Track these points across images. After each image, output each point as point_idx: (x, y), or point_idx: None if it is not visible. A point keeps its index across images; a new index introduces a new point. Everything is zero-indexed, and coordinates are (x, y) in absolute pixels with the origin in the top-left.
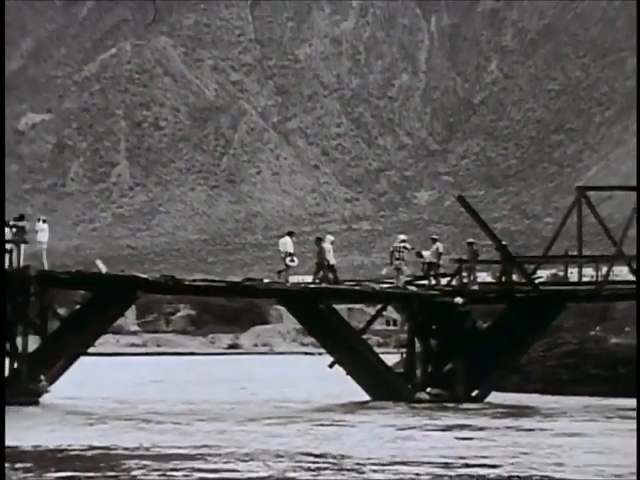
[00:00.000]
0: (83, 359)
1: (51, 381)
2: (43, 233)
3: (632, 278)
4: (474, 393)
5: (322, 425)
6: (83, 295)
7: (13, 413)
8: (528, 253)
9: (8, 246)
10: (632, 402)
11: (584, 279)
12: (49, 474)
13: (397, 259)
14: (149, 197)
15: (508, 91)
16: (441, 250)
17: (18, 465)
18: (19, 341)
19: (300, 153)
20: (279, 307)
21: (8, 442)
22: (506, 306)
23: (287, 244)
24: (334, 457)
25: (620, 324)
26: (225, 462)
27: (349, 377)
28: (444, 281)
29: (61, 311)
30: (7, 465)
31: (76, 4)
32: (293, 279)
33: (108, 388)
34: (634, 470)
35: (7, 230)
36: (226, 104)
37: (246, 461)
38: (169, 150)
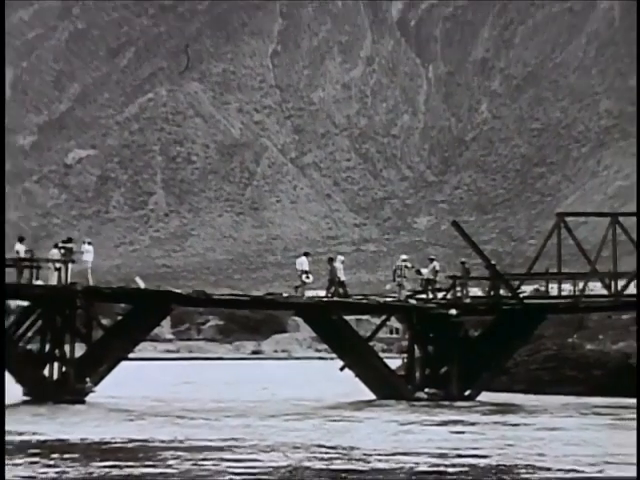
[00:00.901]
0: (124, 363)
1: (96, 382)
2: (88, 254)
3: (605, 292)
4: (466, 392)
5: (333, 420)
6: (124, 307)
7: (62, 410)
8: (513, 271)
9: (57, 265)
10: (604, 400)
11: (563, 293)
12: (94, 463)
13: (399, 276)
14: (182, 222)
15: (496, 130)
16: (437, 268)
17: (66, 456)
18: (67, 348)
19: (314, 184)
20: (296, 318)
21: (58, 436)
22: (494, 317)
23: (303, 263)
24: (344, 448)
25: (594, 333)
26: (249, 453)
27: (357, 379)
28: (440, 295)
29: (104, 321)
30: (56, 455)
31: (118, 55)
32: (308, 293)
33: (146, 388)
34: (606, 459)
35: (56, 251)
36: (250, 141)
37: (267, 452)
38: (200, 181)
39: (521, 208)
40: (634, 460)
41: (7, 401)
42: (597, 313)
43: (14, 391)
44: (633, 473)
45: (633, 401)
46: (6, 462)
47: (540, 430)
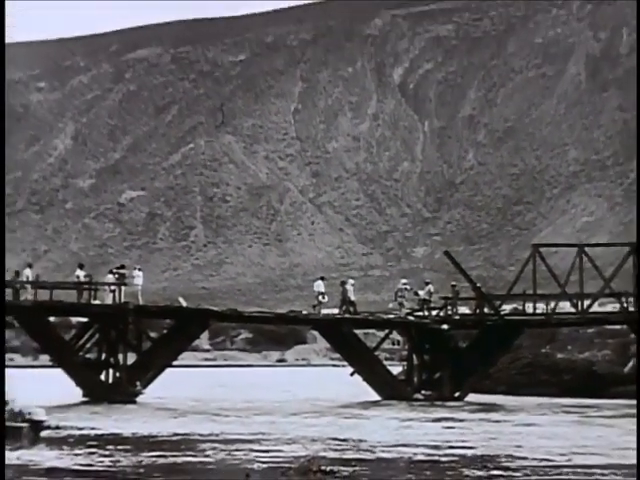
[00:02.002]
0: (169, 369)
1: (144, 386)
2: (139, 278)
3: (573, 310)
4: (456, 394)
5: (345, 418)
6: (169, 323)
7: (116, 409)
8: (496, 292)
9: (112, 287)
10: (572, 401)
11: (537, 311)
12: (143, 453)
13: (400, 297)
14: (218, 252)
15: (481, 174)
16: (432, 290)
17: (119, 447)
18: (120, 356)
19: (329, 220)
20: (314, 331)
21: (112, 430)
22: (479, 331)
23: (320, 286)
24: (354, 441)
25: (564, 344)
26: (274, 445)
27: (365, 382)
28: (434, 313)
29: (152, 334)
30: (111, 447)
31: (164, 111)
32: (324, 311)
33: (187, 391)
34: (575, 450)
35: (111, 276)
36: (275, 184)
37: (289, 444)
38: (233, 217)
39: (502, 240)
40: (598, 450)
41: (69, 401)
42: (566, 328)
43: (75, 393)
44: (597, 462)
45: (597, 401)
46: (67, 451)
47: (518, 426)
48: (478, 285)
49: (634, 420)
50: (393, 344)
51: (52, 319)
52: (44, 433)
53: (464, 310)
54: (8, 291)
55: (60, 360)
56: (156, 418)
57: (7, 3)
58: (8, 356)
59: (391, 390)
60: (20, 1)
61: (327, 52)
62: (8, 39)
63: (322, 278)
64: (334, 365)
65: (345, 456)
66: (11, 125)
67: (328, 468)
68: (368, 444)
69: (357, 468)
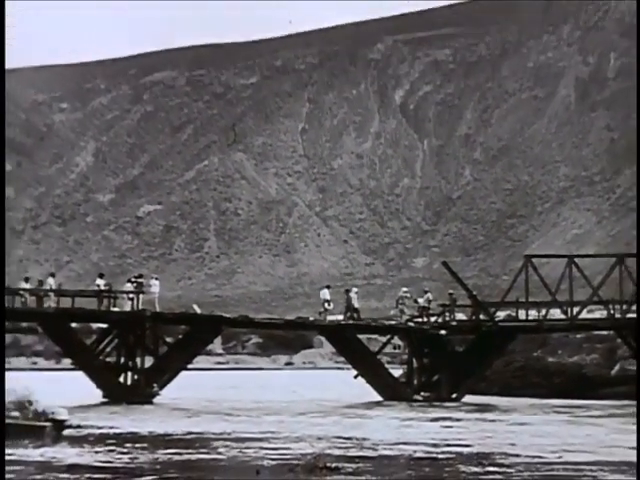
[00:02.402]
0: (184, 372)
1: (161, 387)
2: (155, 287)
3: (563, 317)
4: (454, 395)
5: (349, 417)
6: (184, 329)
7: (134, 409)
8: (490, 300)
9: (131, 295)
10: (562, 401)
11: (529, 318)
12: (159, 451)
13: (401, 304)
14: (230, 262)
15: (477, 190)
16: (431, 298)
17: (137, 445)
18: (138, 360)
19: (334, 232)
20: (320, 337)
21: (130, 429)
22: (475, 336)
23: (325, 294)
24: (357, 439)
25: (554, 348)
26: (282, 443)
27: (368, 384)
28: (433, 319)
29: (168, 339)
30: (129, 444)
31: (179, 131)
32: (330, 317)
33: (201, 392)
34: (565, 448)
35: (129, 284)
36: (283, 199)
37: (297, 442)
38: (244, 230)
39: (497, 251)
40: (587, 448)
41: (89, 402)
42: (557, 333)
43: (95, 394)
44: (586, 459)
45: (586, 402)
46: (87, 449)
47: (512, 425)
48: (474, 293)
49: (621, 420)
50: (394, 348)
51: (74, 325)
52: (66, 432)
53: (461, 316)
54: (31, 298)
55: (81, 363)
56: (172, 418)
57: (7, 3)
58: (32, 359)
59: (392, 391)
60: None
61: (332, 75)
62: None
63: (328, 287)
64: (339, 368)
65: (349, 453)
66: (35, 143)
67: (333, 465)
68: (371, 442)
69: (360, 465)
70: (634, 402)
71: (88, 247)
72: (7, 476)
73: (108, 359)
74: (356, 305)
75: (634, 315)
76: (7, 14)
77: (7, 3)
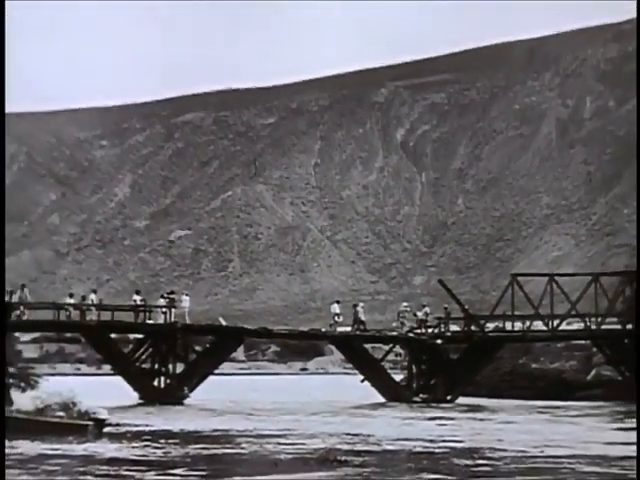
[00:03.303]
0: (211, 377)
1: (190, 390)
2: (186, 302)
3: (544, 328)
4: (448, 397)
5: (356, 416)
6: (211, 338)
7: (166, 410)
8: (481, 313)
9: (164, 309)
10: (544, 403)
11: (515, 329)
12: (189, 446)
13: (402, 317)
14: (251, 280)
15: (469, 217)
16: (428, 312)
17: (170, 441)
18: (170, 366)
19: (343, 254)
20: (331, 346)
21: (163, 427)
22: (467, 345)
23: (335, 308)
24: (363, 436)
25: (537, 356)
26: (298, 439)
27: (372, 387)
28: (430, 330)
29: (197, 348)
30: (162, 440)
31: (206, 165)
32: (339, 329)
33: (226, 394)
34: (546, 443)
35: (162, 300)
36: (298, 225)
37: (310, 438)
38: (264, 252)
39: (486, 270)
40: (566, 444)
41: (127, 403)
42: (539, 343)
43: (132, 396)
44: (565, 453)
45: (565, 403)
46: (125, 444)
47: (499, 423)
48: (466, 307)
49: (596, 419)
50: (396, 356)
51: (113, 335)
52: (106, 429)
53: (455, 328)
54: (75, 312)
55: (120, 369)
56: (200, 417)
57: (7, 4)
58: (76, 366)
59: (394, 394)
60: (85, 71)
61: (342, 116)
62: (79, 103)
63: (337, 302)
64: (347, 373)
65: (356, 448)
66: (78, 176)
67: (342, 458)
68: (375, 438)
69: (366, 458)
70: (608, 403)
71: (126, 267)
72: (54, 468)
73: (144, 365)
74: (362, 318)
75: (608, 327)
76: (52, 59)
77: (54, 47)
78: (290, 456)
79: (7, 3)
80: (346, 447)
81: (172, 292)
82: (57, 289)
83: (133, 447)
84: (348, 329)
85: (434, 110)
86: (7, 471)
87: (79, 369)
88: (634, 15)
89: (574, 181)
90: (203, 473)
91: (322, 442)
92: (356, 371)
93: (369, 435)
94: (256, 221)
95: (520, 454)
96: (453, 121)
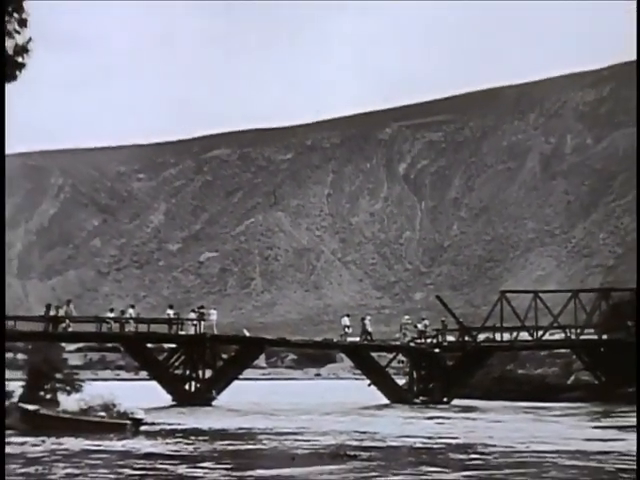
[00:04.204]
0: (236, 382)
1: (218, 393)
2: (214, 315)
3: (529, 338)
4: (445, 399)
5: (363, 416)
6: (236, 347)
7: (196, 410)
8: (473, 326)
9: (194, 322)
10: (529, 404)
11: (504, 339)
12: (217, 442)
13: (404, 329)
14: (271, 296)
15: (463, 240)
16: (427, 324)
17: (200, 437)
18: (200, 372)
19: (352, 273)
20: (342, 354)
21: (194, 425)
22: (462, 353)
23: (345, 321)
24: (370, 433)
25: (523, 363)
26: (312, 436)
27: (378, 391)
28: (429, 340)
29: (224, 356)
30: (193, 437)
31: (231, 195)
32: (349, 339)
33: (249, 397)
34: (531, 440)
35: (193, 314)
36: (313, 247)
37: (323, 435)
38: (282, 272)
39: (478, 287)
40: (549, 440)
41: (161, 405)
42: (525, 351)
43: (166, 399)
44: (548, 448)
45: (548, 404)
46: (160, 441)
47: (490, 422)
48: (460, 320)
49: (576, 418)
50: (399, 363)
51: (149, 345)
52: (143, 428)
53: (450, 338)
54: (115, 325)
55: (155, 375)
56: (226, 417)
57: (50, 52)
58: (116, 372)
59: (397, 396)
60: (125, 111)
61: (351, 152)
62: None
63: (347, 315)
64: (356, 378)
65: (364, 444)
66: (118, 205)
67: (352, 453)
68: (381, 435)
69: (373, 453)
70: (586, 404)
71: (160, 285)
72: (96, 462)
73: (176, 371)
74: (369, 329)
75: (586, 337)
76: (96, 102)
77: (98, 91)
78: (306, 451)
79: (50, 51)
80: (355, 443)
81: (202, 307)
82: (99, 305)
83: (167, 443)
84: (357, 339)
85: (432, 147)
86: (55, 464)
87: (119, 375)
88: (610, 63)
89: (556, 209)
90: (229, 466)
91: (334, 439)
92: (364, 376)
93: (375, 432)
94: (275, 244)
95: (508, 449)
96: (449, 156)
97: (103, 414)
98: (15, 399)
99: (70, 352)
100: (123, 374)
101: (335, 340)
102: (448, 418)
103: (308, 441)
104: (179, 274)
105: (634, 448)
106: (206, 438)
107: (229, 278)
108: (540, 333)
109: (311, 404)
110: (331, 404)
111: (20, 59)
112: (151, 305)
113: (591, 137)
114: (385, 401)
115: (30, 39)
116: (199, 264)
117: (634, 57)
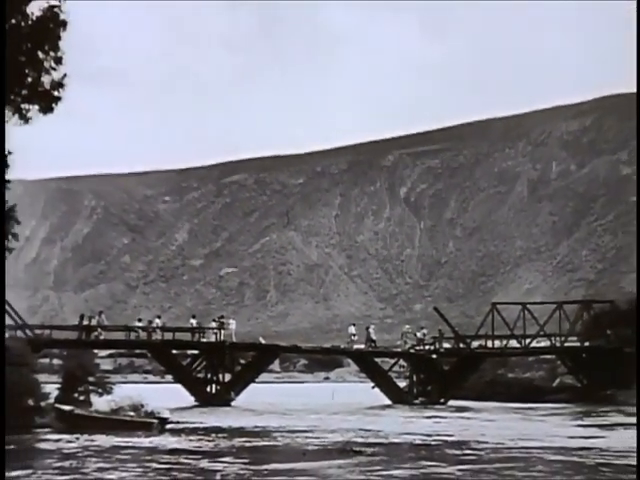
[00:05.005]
0: (252, 385)
1: (236, 395)
2: (232, 325)
3: (518, 346)
4: (442, 400)
5: (368, 415)
6: (252, 354)
7: (217, 410)
8: (467, 334)
9: (215, 330)
10: (519, 405)
11: (495, 346)
12: (235, 439)
13: (405, 337)
14: (285, 307)
15: (458, 257)
16: (425, 332)
17: (219, 435)
18: (220, 375)
19: (358, 287)
20: (348, 359)
21: (214, 424)
22: (457, 359)
23: (352, 329)
24: (374, 431)
25: (513, 367)
26: (321, 433)
27: (381, 393)
28: (427, 347)
29: (242, 361)
30: (213, 434)
31: (248, 215)
32: (355, 346)
33: (264, 398)
34: (520, 437)
35: (214, 323)
36: (322, 263)
37: (332, 433)
38: (294, 285)
39: (472, 299)
40: (535, 437)
41: (185, 405)
42: (514, 357)
43: (189, 400)
44: (535, 445)
45: (535, 405)
46: (184, 438)
47: (483, 421)
48: (456, 329)
49: (560, 417)
50: (400, 367)
51: (174, 351)
52: (168, 426)
53: (447, 345)
54: (143, 333)
55: (179, 378)
56: (244, 416)
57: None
58: (143, 375)
59: (399, 397)
60: (152, 142)
61: (357, 177)
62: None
63: (353, 324)
64: (361, 382)
65: (368, 441)
66: (145, 225)
67: (357, 449)
68: (384, 433)
69: (376, 449)
70: (570, 405)
71: (184, 297)
72: (125, 457)
73: (198, 375)
74: (373, 337)
75: (570, 344)
76: (126, 132)
77: (129, 123)
78: (315, 447)
79: (83, 85)
80: (360, 440)
81: (221, 317)
82: (128, 315)
83: (190, 440)
84: (362, 346)
85: (430, 172)
86: (87, 459)
87: (146, 378)
88: (592, 97)
89: (542, 228)
90: (246, 461)
91: (341, 436)
92: (368, 379)
93: (379, 430)
94: (288, 260)
95: (499, 445)
96: (445, 181)
97: (132, 414)
98: (52, 400)
99: (102, 358)
100: (150, 377)
101: (342, 347)
102: (445, 417)
103: (318, 438)
104: (201, 287)
105: (613, 444)
106: (225, 435)
107: (246, 291)
108: (528, 341)
109: (320, 404)
110: (338, 405)
111: (56, 93)
112: (176, 315)
113: (574, 164)
114: (387, 402)
115: (65, 75)
116: (219, 278)
117: (615, 91)
